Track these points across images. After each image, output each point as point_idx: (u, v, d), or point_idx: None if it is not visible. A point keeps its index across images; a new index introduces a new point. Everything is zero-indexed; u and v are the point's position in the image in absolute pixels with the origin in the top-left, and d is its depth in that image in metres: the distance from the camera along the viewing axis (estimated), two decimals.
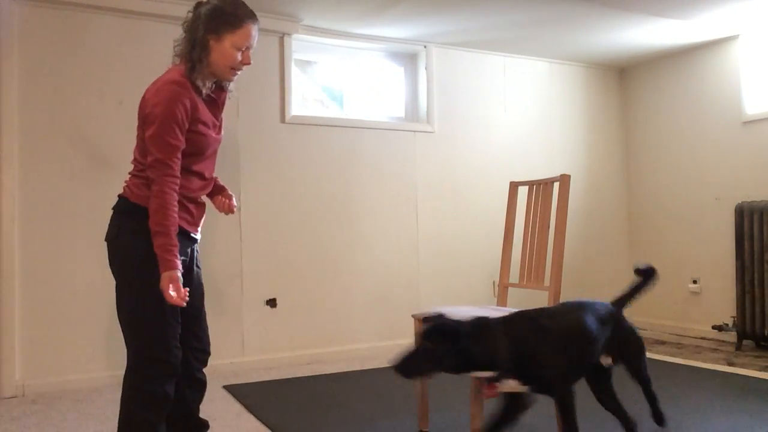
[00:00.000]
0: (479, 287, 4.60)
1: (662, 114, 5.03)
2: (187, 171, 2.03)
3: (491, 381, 1.97)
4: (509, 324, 2.01)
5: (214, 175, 2.24)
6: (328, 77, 4.63)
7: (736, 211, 4.34)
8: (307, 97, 4.53)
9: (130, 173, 2.08)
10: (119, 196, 2.08)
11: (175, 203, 1.93)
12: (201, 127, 2.02)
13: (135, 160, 2.08)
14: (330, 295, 4.17)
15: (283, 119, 4.07)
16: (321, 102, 4.63)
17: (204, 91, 2.04)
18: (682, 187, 4.86)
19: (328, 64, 4.56)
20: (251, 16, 2.03)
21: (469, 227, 4.64)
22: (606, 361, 2.26)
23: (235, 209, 2.33)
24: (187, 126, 1.97)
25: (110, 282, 2.08)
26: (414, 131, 4.49)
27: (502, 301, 2.89)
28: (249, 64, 2.07)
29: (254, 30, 2.04)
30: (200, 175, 2.10)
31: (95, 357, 3.51)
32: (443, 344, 1.87)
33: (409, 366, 1.88)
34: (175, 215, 1.93)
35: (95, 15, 3.58)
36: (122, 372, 2.04)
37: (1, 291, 3.34)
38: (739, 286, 4.28)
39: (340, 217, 4.23)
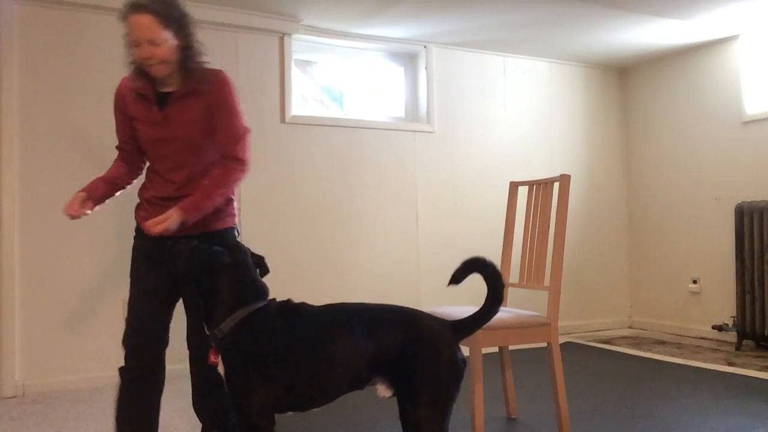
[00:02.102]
0: (479, 287, 4.58)
1: (662, 114, 5.03)
2: (150, 169, 2.13)
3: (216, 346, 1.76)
4: (266, 312, 1.75)
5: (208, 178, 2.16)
6: (328, 77, 4.63)
7: (736, 211, 4.34)
8: (307, 97, 4.53)
9: None
10: None
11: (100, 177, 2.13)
12: (133, 123, 2.07)
13: None
14: (330, 295, 4.17)
15: (283, 119, 4.07)
16: (321, 102, 4.63)
17: (135, 86, 2.03)
18: (682, 187, 4.86)
19: (328, 64, 4.56)
20: (133, 8, 1.92)
21: (469, 227, 4.64)
22: (383, 393, 1.71)
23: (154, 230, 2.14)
24: (120, 117, 2.11)
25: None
26: (414, 131, 4.49)
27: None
28: (150, 57, 1.95)
29: (138, 21, 1.91)
30: (162, 176, 2.09)
31: (95, 357, 3.51)
32: (204, 262, 1.75)
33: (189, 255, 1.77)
34: (96, 181, 2.11)
35: (95, 15, 3.58)
36: None
37: (1, 291, 3.34)
38: (739, 286, 4.28)
39: (341, 216, 4.23)
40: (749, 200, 4.32)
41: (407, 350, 1.65)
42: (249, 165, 2.13)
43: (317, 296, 4.13)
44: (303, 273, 4.09)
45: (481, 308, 1.79)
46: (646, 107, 5.15)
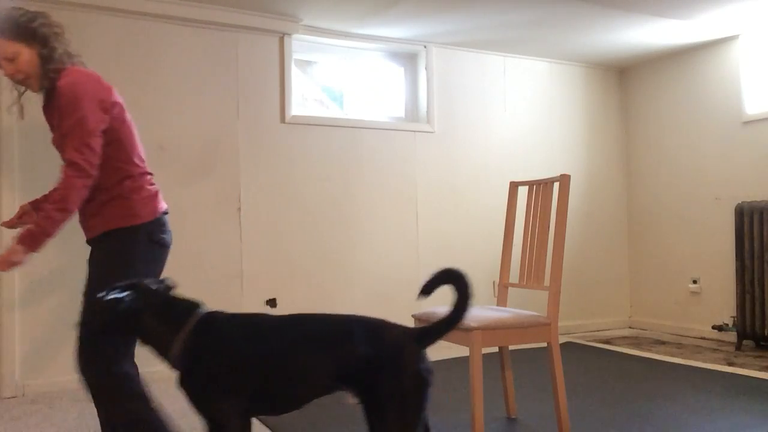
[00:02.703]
0: (479, 287, 4.59)
1: (662, 114, 5.03)
2: None
3: None
4: (217, 322, 1.70)
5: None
6: (328, 77, 4.63)
7: (736, 211, 4.34)
8: (307, 97, 4.53)
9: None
10: None
11: None
12: None
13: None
14: (330, 295, 4.17)
15: (283, 119, 4.07)
16: (321, 102, 4.63)
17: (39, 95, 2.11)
18: (682, 187, 4.86)
19: (328, 64, 4.56)
20: None
21: (469, 227, 4.64)
22: (351, 400, 1.69)
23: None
24: None
25: None
26: (414, 131, 4.49)
27: (502, 301, 2.89)
28: (13, 74, 2.01)
29: None
30: None
31: None
32: (125, 310, 1.69)
33: (102, 313, 1.73)
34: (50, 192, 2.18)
35: (95, 15, 3.58)
36: None
37: (1, 291, 3.34)
38: (739, 286, 4.28)
39: (341, 217, 4.23)
40: (749, 200, 4.32)
41: (370, 363, 1.62)
42: (87, 168, 1.95)
43: (317, 296, 4.13)
44: (302, 273, 4.09)
45: (446, 316, 1.75)
46: (646, 107, 5.15)
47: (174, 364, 1.69)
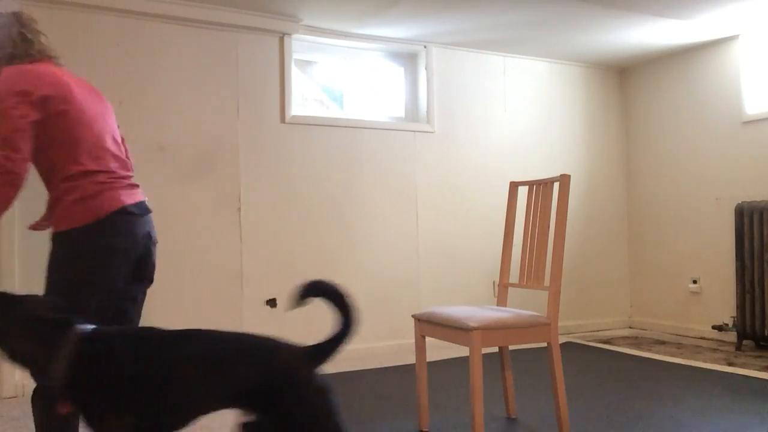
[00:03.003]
0: (479, 287, 4.60)
1: (662, 114, 5.03)
2: None
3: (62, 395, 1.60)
4: (100, 340, 1.61)
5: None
6: (328, 77, 4.63)
7: (736, 211, 4.34)
8: (307, 97, 4.53)
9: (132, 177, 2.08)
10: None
11: None
12: None
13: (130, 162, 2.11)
14: None
15: (283, 119, 4.07)
16: (321, 102, 4.63)
17: None
18: (682, 187, 4.86)
19: (328, 64, 4.56)
20: None
21: (469, 227, 4.64)
22: (246, 417, 1.61)
23: None
24: None
25: None
26: (414, 131, 4.49)
27: (502, 301, 2.89)
28: None
29: None
30: None
31: None
32: None
33: None
34: None
35: (95, 15, 3.59)
36: None
37: None
38: (739, 286, 4.29)
39: (340, 217, 4.23)
40: (749, 200, 4.32)
41: (262, 384, 1.56)
42: (6, 165, 1.79)
43: None
44: (302, 273, 4.09)
45: (335, 333, 1.69)
46: (646, 107, 5.16)
47: (56, 385, 1.59)
